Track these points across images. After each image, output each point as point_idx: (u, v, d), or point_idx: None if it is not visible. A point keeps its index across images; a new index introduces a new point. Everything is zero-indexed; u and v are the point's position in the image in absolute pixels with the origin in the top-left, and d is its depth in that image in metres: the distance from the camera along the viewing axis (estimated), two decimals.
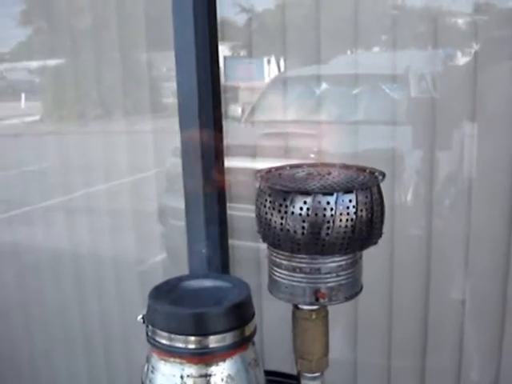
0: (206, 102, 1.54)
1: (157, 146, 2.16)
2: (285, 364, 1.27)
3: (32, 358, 2.54)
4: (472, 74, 1.58)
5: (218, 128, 1.58)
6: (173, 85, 2.15)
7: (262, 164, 1.96)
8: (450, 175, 1.67)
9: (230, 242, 1.88)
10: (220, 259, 1.54)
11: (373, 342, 1.75)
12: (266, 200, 0.95)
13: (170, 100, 2.19)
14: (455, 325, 1.66)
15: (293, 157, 1.93)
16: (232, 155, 1.90)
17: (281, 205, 0.93)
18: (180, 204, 2.14)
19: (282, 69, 1.97)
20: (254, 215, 1.98)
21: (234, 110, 2.07)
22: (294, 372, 1.17)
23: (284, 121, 1.98)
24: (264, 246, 1.91)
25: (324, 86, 1.94)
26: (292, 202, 0.92)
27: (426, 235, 1.62)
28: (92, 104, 2.28)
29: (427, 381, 1.71)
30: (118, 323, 2.29)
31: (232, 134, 1.90)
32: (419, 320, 1.68)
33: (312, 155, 1.93)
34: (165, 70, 2.27)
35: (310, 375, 1.05)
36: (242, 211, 1.97)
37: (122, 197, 2.28)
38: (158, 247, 2.25)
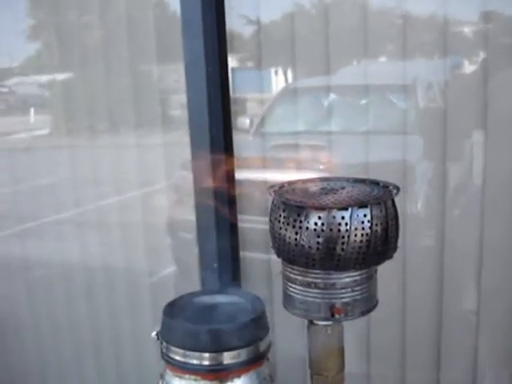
0: (216, 115, 1.54)
1: (166, 159, 2.15)
2: (297, 380, 1.26)
3: (43, 371, 2.54)
4: (481, 83, 1.56)
5: (228, 141, 1.58)
6: (181, 97, 2.16)
7: (272, 176, 1.96)
8: (461, 185, 1.66)
9: (241, 254, 1.88)
10: (231, 272, 1.53)
11: (386, 354, 1.73)
12: (280, 215, 0.95)
13: (179, 112, 2.19)
14: (469, 336, 1.64)
15: (302, 168, 1.92)
16: (241, 167, 1.89)
17: (295, 220, 0.93)
18: (189, 216, 2.15)
19: (290, 80, 1.97)
20: (263, 227, 1.98)
21: (242, 122, 2.07)
22: None
23: (293, 132, 1.97)
24: (275, 257, 1.92)
25: (332, 96, 1.94)
26: (306, 217, 0.91)
27: (438, 246, 1.61)
28: (101, 118, 2.28)
29: None
30: (128, 336, 2.28)
31: (241, 146, 1.90)
32: (433, 331, 1.67)
33: (321, 166, 1.93)
34: (173, 83, 2.27)
35: None
36: (251, 223, 1.97)
37: (131, 210, 2.28)
38: (168, 260, 2.24)
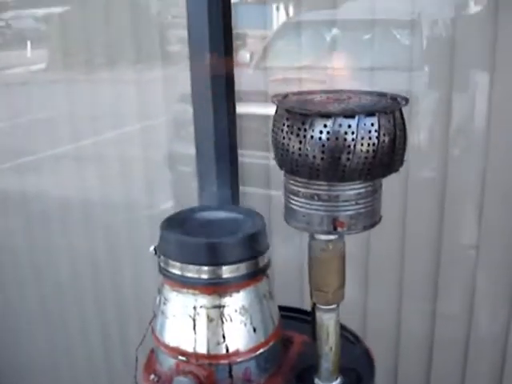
0: (218, 45, 1.50)
1: (163, 93, 2.12)
2: (293, 301, 1.24)
3: (42, 305, 2.54)
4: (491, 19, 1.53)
5: (229, 69, 1.54)
6: (178, 32, 2.12)
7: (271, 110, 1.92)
8: (466, 118, 1.63)
9: (240, 188, 1.85)
10: (231, 198, 1.51)
11: (383, 284, 1.73)
12: (284, 124, 0.92)
13: (176, 47, 2.15)
14: (467, 271, 1.63)
15: None
16: (241, 101, 1.86)
17: (299, 129, 0.90)
18: (188, 150, 2.12)
19: (292, 14, 1.93)
20: (263, 162, 1.96)
21: (242, 55, 2.03)
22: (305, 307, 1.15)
23: (293, 67, 1.94)
24: (274, 193, 1.90)
25: (335, 31, 1.90)
26: (311, 125, 0.88)
27: (440, 178, 1.59)
28: (98, 52, 2.24)
29: (437, 324, 1.69)
30: (128, 269, 2.28)
31: (241, 79, 1.86)
32: (431, 264, 1.66)
33: None
34: (170, 18, 2.23)
35: (325, 307, 1.02)
36: (249, 157, 1.95)
37: (128, 144, 2.26)
38: (167, 194, 2.22)
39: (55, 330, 2.57)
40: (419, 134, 1.68)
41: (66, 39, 2.32)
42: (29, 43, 2.55)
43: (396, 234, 1.68)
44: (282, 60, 2.08)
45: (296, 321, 1.24)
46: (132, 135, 2.25)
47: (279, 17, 2.02)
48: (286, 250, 1.60)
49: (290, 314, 1.23)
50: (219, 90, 1.51)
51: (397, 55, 1.80)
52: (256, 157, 1.98)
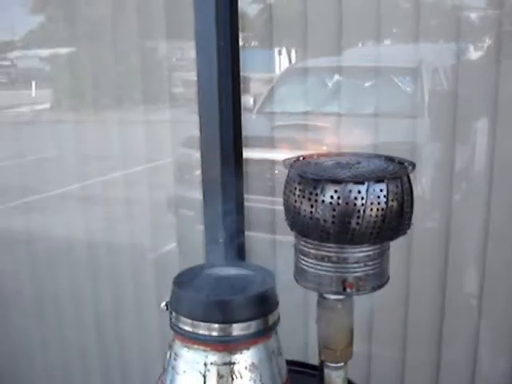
0: (226, 90, 1.53)
1: (167, 136, 2.15)
2: (301, 356, 1.26)
3: (44, 346, 2.54)
4: (493, 67, 1.56)
5: (237, 117, 1.57)
6: (183, 75, 2.15)
7: (275, 155, 1.96)
8: (468, 169, 1.66)
9: (246, 233, 1.88)
10: (237, 249, 1.53)
11: (388, 336, 1.74)
12: (296, 188, 0.95)
13: (181, 90, 2.19)
14: (471, 320, 1.65)
15: (307, 149, 1.92)
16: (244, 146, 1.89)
17: (311, 193, 0.93)
18: (190, 194, 2.15)
19: (295, 60, 1.96)
20: (267, 206, 1.98)
21: (245, 100, 2.06)
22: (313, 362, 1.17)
23: (296, 112, 1.97)
24: (279, 237, 1.92)
25: (336, 77, 1.93)
26: (322, 190, 0.91)
27: (443, 229, 1.61)
28: (102, 93, 2.27)
29: (442, 372, 1.70)
30: (131, 310, 2.28)
31: (244, 124, 1.89)
32: (435, 314, 1.67)
33: (325, 148, 1.92)
34: (175, 60, 2.26)
35: (334, 365, 1.04)
36: (254, 202, 1.97)
37: (131, 186, 2.27)
38: (169, 236, 2.24)
39: (58, 365, 2.56)
40: (422, 183, 1.71)
41: (71, 80, 2.35)
42: (33, 83, 2.58)
43: (400, 285, 1.70)
44: (286, 105, 2.11)
45: (303, 375, 1.25)
46: (135, 177, 2.27)
47: (282, 61, 2.05)
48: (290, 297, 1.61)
49: (297, 369, 1.23)
50: (227, 136, 1.53)
51: (399, 102, 1.83)
52: (259, 201, 2.00)
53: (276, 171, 2.01)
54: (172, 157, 2.20)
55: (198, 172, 2.10)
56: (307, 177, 0.93)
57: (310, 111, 1.92)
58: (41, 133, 2.44)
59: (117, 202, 2.30)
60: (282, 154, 1.99)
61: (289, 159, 1.01)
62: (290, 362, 1.16)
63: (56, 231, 2.44)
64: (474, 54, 1.69)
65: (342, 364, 1.04)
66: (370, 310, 1.68)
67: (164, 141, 2.17)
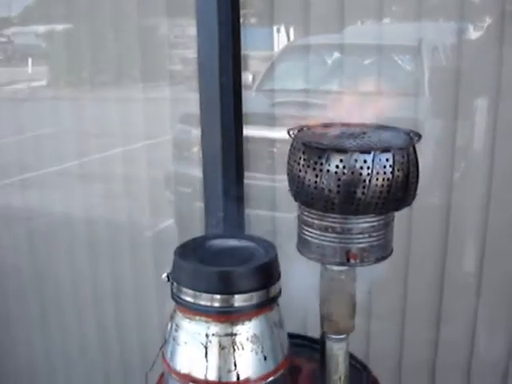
0: (226, 65, 1.52)
1: (164, 113, 2.13)
2: (300, 329, 1.25)
3: (43, 323, 2.54)
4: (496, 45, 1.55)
5: (237, 92, 1.56)
6: (183, 52, 2.13)
7: (273, 133, 1.95)
8: (470, 144, 1.65)
9: (245, 210, 1.87)
10: (236, 223, 1.53)
11: (387, 309, 1.74)
12: (300, 158, 0.94)
13: (179, 68, 2.17)
14: (469, 296, 1.65)
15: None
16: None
17: (316, 163, 0.92)
18: (187, 170, 2.14)
19: (294, 37, 1.95)
20: (265, 183, 1.97)
21: (245, 77, 2.04)
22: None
23: (295, 90, 1.96)
24: (279, 215, 1.91)
25: (336, 55, 1.92)
26: (328, 159, 0.90)
27: (445, 205, 1.61)
28: (100, 70, 2.25)
29: (440, 350, 1.70)
30: (129, 286, 2.28)
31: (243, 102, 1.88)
32: (434, 290, 1.67)
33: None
34: (174, 38, 2.24)
35: (335, 337, 1.04)
36: (252, 180, 1.96)
37: (128, 163, 2.26)
38: (167, 213, 2.23)
39: (57, 345, 2.56)
40: (423, 159, 1.69)
41: (68, 56, 2.33)
42: (30, 60, 2.55)
43: (400, 261, 1.70)
44: (285, 82, 2.09)
45: (304, 348, 1.24)
46: (133, 154, 2.25)
47: (281, 39, 2.03)
48: (291, 275, 1.60)
49: (298, 342, 1.23)
50: (228, 112, 1.52)
51: (400, 80, 1.81)
52: (256, 179, 1.99)
53: (275, 149, 2.00)
54: (170, 134, 2.18)
55: (196, 149, 2.10)
56: (312, 146, 0.92)
57: (309, 89, 1.90)
58: (38, 110, 2.42)
59: (114, 179, 2.29)
60: (280, 132, 1.98)
61: (293, 129, 1.00)
62: (291, 335, 1.16)
63: (53, 208, 2.42)
64: (475, 33, 1.67)
65: (344, 336, 1.04)
66: (370, 286, 1.68)
67: (162, 118, 2.15)
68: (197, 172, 2.09)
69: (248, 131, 1.89)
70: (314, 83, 1.92)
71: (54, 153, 2.39)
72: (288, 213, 1.95)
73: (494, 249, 1.60)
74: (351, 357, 1.13)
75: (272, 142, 1.96)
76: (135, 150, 2.26)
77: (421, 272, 1.69)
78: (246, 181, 1.88)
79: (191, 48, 2.20)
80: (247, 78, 2.11)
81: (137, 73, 2.17)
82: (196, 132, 2.09)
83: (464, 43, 1.63)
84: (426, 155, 1.62)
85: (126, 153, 2.27)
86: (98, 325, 2.41)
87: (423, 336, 1.72)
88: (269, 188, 1.94)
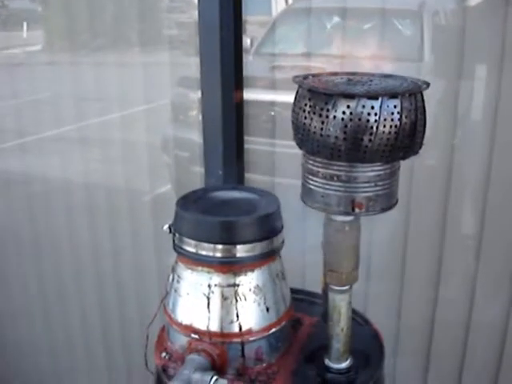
0: (228, 27, 1.50)
1: (161, 77, 2.12)
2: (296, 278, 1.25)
3: (41, 288, 2.54)
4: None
5: (238, 50, 1.54)
6: (177, 16, 2.11)
7: (272, 96, 1.93)
8: (473, 108, 1.64)
9: (245, 175, 1.86)
10: (236, 181, 1.51)
11: (385, 271, 1.74)
12: (306, 104, 0.92)
13: (174, 32, 2.15)
14: (469, 258, 1.65)
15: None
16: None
17: (322, 109, 0.90)
18: (185, 134, 2.12)
19: (291, 1, 1.93)
20: (262, 148, 1.96)
21: (243, 41, 2.02)
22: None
23: (294, 54, 1.94)
24: (278, 179, 1.90)
25: (336, 19, 1.90)
26: (334, 105, 0.89)
27: (446, 167, 1.60)
28: (94, 34, 2.22)
29: (438, 310, 1.71)
30: (127, 250, 2.28)
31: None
32: (434, 251, 1.67)
33: None
34: (168, 2, 2.22)
35: (339, 288, 1.03)
36: (249, 144, 1.95)
37: (125, 128, 2.25)
38: (164, 177, 2.22)
39: (59, 307, 2.56)
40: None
41: (63, 21, 2.30)
42: (25, 24, 2.52)
43: (400, 220, 1.69)
44: (283, 46, 2.07)
45: (305, 303, 1.24)
46: (129, 119, 2.24)
47: (278, 4, 2.02)
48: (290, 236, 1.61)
49: (299, 296, 1.23)
50: (228, 75, 1.50)
51: (400, 45, 1.80)
52: (255, 143, 1.98)
53: (272, 112, 1.98)
54: (167, 98, 2.16)
55: (194, 112, 2.08)
56: (318, 91, 0.90)
57: (308, 52, 1.88)
58: (33, 75, 2.39)
59: (111, 144, 2.27)
60: (278, 95, 1.97)
61: (298, 76, 0.98)
62: (291, 290, 1.15)
63: (50, 172, 2.41)
64: None
65: (347, 287, 1.03)
66: (369, 245, 1.67)
67: (159, 82, 2.13)
68: (195, 136, 2.08)
69: (246, 94, 1.87)
70: (313, 47, 1.90)
71: (50, 117, 2.36)
72: (287, 178, 1.95)
73: (494, 212, 1.60)
74: (353, 311, 1.12)
75: (269, 105, 1.94)
76: (132, 115, 2.24)
77: (421, 232, 1.68)
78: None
79: (186, 12, 2.18)
80: (245, 41, 2.09)
81: (133, 37, 2.14)
82: (194, 95, 2.09)
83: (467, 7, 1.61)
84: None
85: (123, 117, 2.25)
86: (96, 288, 2.41)
87: (422, 296, 1.72)
88: (267, 153, 1.92)
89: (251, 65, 1.93)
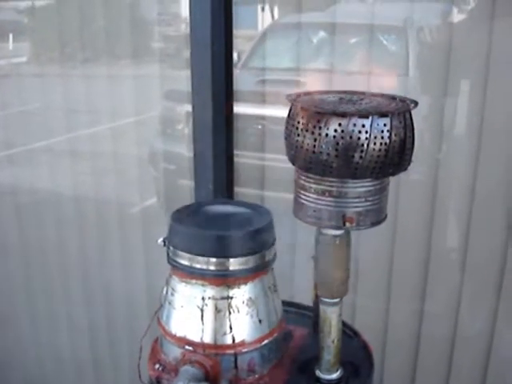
0: (219, 41, 1.52)
1: (147, 91, 2.13)
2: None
3: (30, 296, 2.54)
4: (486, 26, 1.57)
5: (228, 67, 1.56)
6: (164, 29, 2.13)
7: (256, 110, 1.96)
8: (457, 122, 1.68)
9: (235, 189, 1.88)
10: (226, 194, 1.54)
11: (372, 283, 1.77)
12: (299, 122, 0.95)
13: (161, 45, 2.16)
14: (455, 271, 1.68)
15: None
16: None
17: (314, 127, 0.93)
18: (171, 148, 2.14)
19: (277, 16, 1.96)
20: (251, 161, 1.98)
21: None
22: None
23: (279, 68, 1.97)
24: (267, 193, 1.93)
25: (322, 33, 1.93)
26: (326, 124, 0.92)
27: (431, 181, 1.64)
28: (81, 47, 2.24)
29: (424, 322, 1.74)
30: (116, 261, 2.29)
31: None
32: (421, 260, 1.70)
33: None
34: (155, 15, 2.24)
35: (330, 301, 1.05)
36: (238, 157, 1.97)
37: (111, 140, 2.26)
38: (149, 190, 2.23)
39: (46, 316, 2.56)
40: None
41: (48, 33, 2.31)
42: (11, 36, 2.53)
43: (386, 234, 1.72)
44: (270, 61, 2.10)
45: (295, 315, 1.26)
46: (117, 131, 2.25)
47: (265, 19, 2.04)
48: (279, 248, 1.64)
49: (289, 309, 1.25)
50: (219, 89, 1.53)
51: (385, 59, 1.83)
52: (241, 156, 2.00)
53: (259, 126, 2.01)
54: (154, 111, 2.18)
55: (180, 126, 2.10)
56: (311, 110, 0.93)
57: (294, 67, 1.91)
58: (20, 86, 2.39)
59: (98, 156, 2.28)
60: (266, 109, 1.99)
61: (291, 95, 1.01)
62: (284, 303, 1.17)
63: (38, 184, 2.41)
64: (463, 13, 1.69)
65: (337, 300, 1.06)
66: (356, 261, 1.70)
67: (145, 95, 2.15)
68: (181, 149, 2.11)
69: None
70: (299, 61, 1.93)
71: (37, 129, 2.37)
72: (276, 192, 1.98)
73: (479, 226, 1.63)
74: (342, 323, 1.15)
75: (256, 118, 1.97)
76: (120, 127, 2.25)
77: (407, 246, 1.71)
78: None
79: (173, 25, 2.20)
80: (233, 55, 2.11)
81: (120, 50, 2.16)
82: (181, 108, 2.11)
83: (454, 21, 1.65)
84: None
85: (109, 130, 2.26)
86: (86, 300, 2.41)
87: (408, 309, 1.74)
88: (256, 166, 1.95)
89: (239, 79, 1.95)
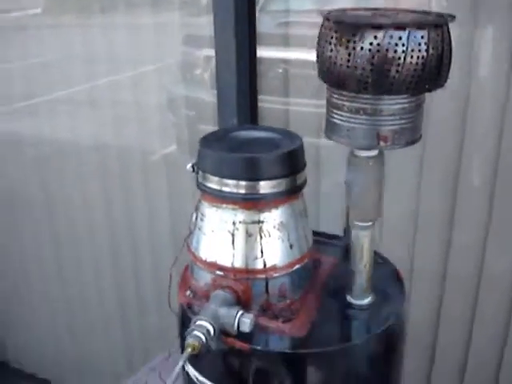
0: None
1: (165, 38, 2.10)
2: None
3: (56, 249, 2.55)
4: None
5: (251, 9, 1.53)
6: None
7: (277, 53, 1.93)
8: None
9: None
10: None
11: (399, 218, 1.75)
12: (332, 37, 0.92)
13: None
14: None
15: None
16: None
17: (348, 41, 0.90)
18: (192, 93, 2.12)
19: None
20: (270, 106, 1.95)
21: None
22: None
23: (299, 10, 1.93)
24: None
25: None
26: (361, 37, 0.89)
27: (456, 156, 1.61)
28: None
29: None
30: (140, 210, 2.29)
31: None
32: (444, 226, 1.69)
33: None
34: None
35: (362, 224, 1.04)
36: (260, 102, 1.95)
37: (132, 89, 2.24)
38: (170, 137, 2.22)
39: (74, 267, 2.58)
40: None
41: None
42: None
43: (414, 170, 1.70)
44: (289, 3, 2.06)
45: (323, 245, 1.24)
46: (136, 79, 2.23)
47: None
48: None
49: (317, 238, 1.23)
50: (242, 33, 1.49)
51: None
52: (263, 101, 1.98)
53: (280, 70, 1.98)
54: (172, 57, 2.15)
55: (199, 71, 2.08)
56: (345, 23, 0.90)
57: (313, 9, 1.87)
58: (36, 38, 2.37)
59: (117, 105, 2.26)
60: (286, 53, 1.96)
61: (324, 10, 0.98)
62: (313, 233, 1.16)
63: (59, 134, 2.41)
64: None
65: (370, 223, 1.04)
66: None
67: (164, 42, 2.12)
68: (201, 94, 2.08)
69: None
70: (318, 3, 1.89)
71: (56, 79, 2.35)
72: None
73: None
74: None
75: (275, 61, 1.94)
76: (137, 76, 2.23)
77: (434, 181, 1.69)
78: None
79: None
80: None
81: None
82: (199, 53, 2.08)
83: None
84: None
85: (128, 78, 2.23)
86: (111, 249, 2.42)
87: (435, 243, 1.73)
88: (279, 110, 1.93)
89: (258, 21, 1.92)
